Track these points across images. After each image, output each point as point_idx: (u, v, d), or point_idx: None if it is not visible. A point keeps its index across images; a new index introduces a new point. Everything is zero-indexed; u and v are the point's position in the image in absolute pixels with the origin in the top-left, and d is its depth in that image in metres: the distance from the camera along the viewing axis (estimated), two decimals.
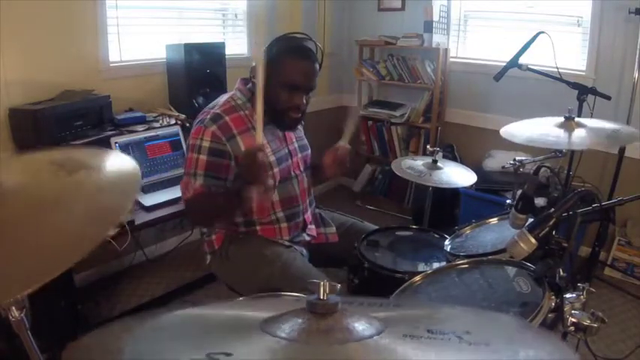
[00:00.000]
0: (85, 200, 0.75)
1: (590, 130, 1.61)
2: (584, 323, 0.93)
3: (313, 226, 1.80)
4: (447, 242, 1.59)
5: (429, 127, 3.49)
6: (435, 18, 3.21)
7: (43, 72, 2.24)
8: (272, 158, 1.60)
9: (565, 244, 1.09)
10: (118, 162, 0.88)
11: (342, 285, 1.28)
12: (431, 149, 2.10)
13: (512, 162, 2.03)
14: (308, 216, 1.78)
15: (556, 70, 2.22)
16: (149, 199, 2.09)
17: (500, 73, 2.22)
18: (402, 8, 3.58)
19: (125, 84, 2.56)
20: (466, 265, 1.30)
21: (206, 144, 1.53)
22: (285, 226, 1.69)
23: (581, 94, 2.21)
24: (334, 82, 4.04)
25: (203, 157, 1.53)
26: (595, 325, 0.93)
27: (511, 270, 1.21)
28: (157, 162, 2.34)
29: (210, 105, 1.64)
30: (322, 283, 0.58)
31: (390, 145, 3.75)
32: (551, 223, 1.06)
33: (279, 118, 1.61)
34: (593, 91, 2.22)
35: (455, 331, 0.58)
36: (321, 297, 0.58)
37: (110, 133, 2.27)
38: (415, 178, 1.98)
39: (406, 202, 3.69)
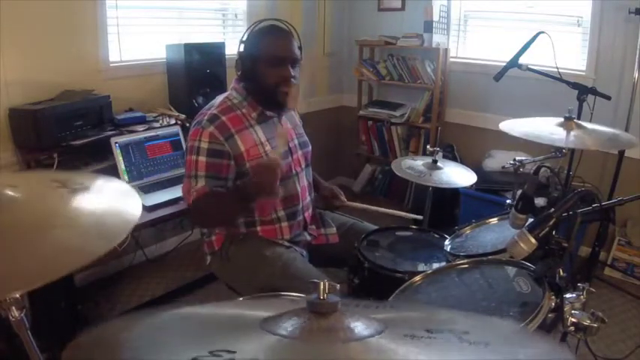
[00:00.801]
0: (86, 218, 0.79)
1: (590, 131, 1.61)
2: (584, 323, 0.94)
3: (314, 226, 1.80)
4: (447, 242, 1.58)
5: (429, 127, 3.49)
6: (435, 18, 3.21)
7: (43, 72, 2.24)
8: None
9: (565, 244, 1.09)
10: (121, 188, 0.95)
11: (342, 285, 1.28)
12: (431, 149, 2.10)
13: (512, 162, 2.03)
14: (308, 214, 1.78)
15: (556, 70, 2.21)
16: (149, 199, 2.08)
17: (500, 73, 2.22)
18: (402, 8, 3.57)
19: (125, 84, 2.56)
20: (466, 265, 1.31)
21: (204, 145, 1.53)
22: (285, 225, 1.69)
23: (581, 94, 2.21)
24: (334, 82, 4.04)
25: (202, 159, 1.53)
26: (595, 325, 0.93)
27: (511, 270, 1.21)
28: (157, 162, 2.34)
29: (207, 106, 1.64)
30: (322, 282, 0.58)
31: (390, 145, 3.75)
32: (551, 223, 1.06)
33: (272, 96, 1.60)
34: (593, 91, 2.22)
35: (454, 331, 0.58)
36: (321, 297, 0.58)
37: (110, 133, 2.26)
38: (415, 178, 1.98)
39: (406, 202, 3.69)
